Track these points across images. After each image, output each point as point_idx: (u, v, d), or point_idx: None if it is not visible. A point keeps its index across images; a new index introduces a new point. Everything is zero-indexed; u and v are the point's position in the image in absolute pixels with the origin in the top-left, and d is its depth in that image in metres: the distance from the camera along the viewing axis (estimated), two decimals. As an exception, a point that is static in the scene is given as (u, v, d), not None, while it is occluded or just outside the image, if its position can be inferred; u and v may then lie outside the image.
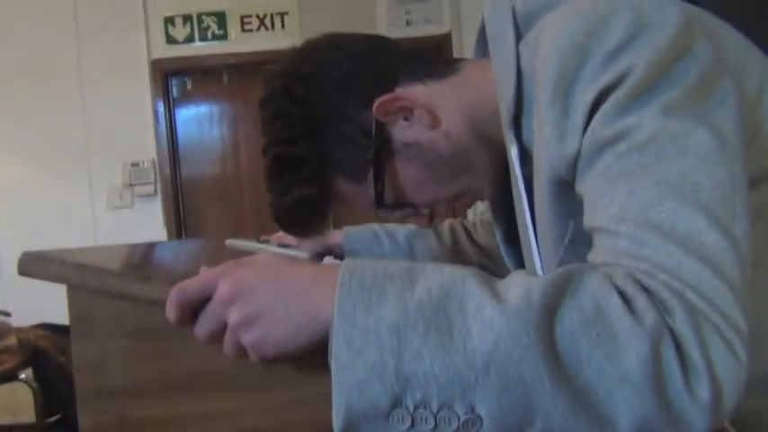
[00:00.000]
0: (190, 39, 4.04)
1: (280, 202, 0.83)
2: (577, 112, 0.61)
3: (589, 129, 0.60)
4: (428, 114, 0.78)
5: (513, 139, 0.73)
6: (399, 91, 0.78)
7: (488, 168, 0.82)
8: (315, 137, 0.80)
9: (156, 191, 4.00)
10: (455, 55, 3.68)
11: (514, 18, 0.74)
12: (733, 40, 0.69)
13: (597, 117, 0.60)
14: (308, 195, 0.81)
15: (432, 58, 0.84)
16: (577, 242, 0.66)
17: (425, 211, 0.86)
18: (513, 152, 0.73)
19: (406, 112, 0.79)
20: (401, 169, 0.81)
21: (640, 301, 0.50)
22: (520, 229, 0.78)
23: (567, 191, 0.65)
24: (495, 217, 0.93)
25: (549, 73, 0.62)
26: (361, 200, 0.83)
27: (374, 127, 0.78)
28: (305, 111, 0.80)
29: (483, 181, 0.84)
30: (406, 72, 0.80)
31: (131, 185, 3.98)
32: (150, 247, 0.88)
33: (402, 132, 0.79)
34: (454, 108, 0.80)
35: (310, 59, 0.83)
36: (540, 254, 0.74)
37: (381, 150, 0.79)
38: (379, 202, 0.82)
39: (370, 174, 0.80)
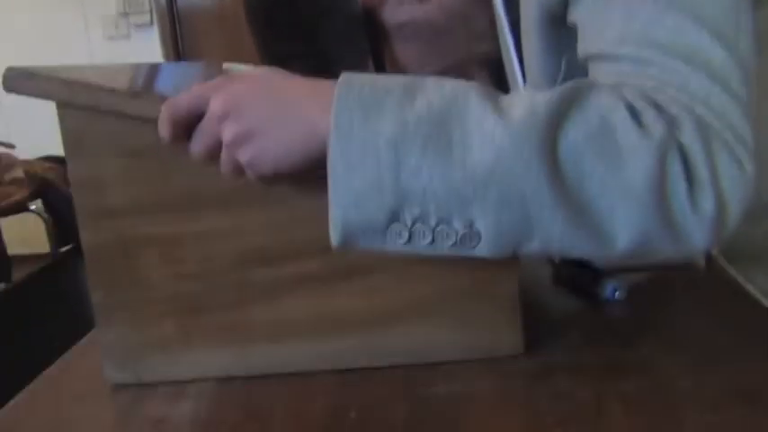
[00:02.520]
0: None
1: None
2: None
3: None
4: None
5: None
6: None
7: (489, 28, 0.78)
8: (308, 37, 0.77)
9: (152, 20, 3.88)
10: None
11: None
12: None
13: None
14: None
15: None
16: (572, 79, 0.64)
17: None
18: None
19: None
20: (401, 51, 0.78)
21: (649, 115, 0.48)
22: (509, 77, 0.76)
23: (557, 26, 0.62)
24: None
25: None
26: None
27: (363, 13, 0.75)
28: (293, 12, 0.77)
29: (486, 43, 0.80)
30: None
31: (126, 14, 3.86)
32: (142, 66, 0.85)
33: (393, 13, 0.76)
34: None
35: None
36: None
37: (376, 37, 0.76)
38: None
39: (371, 63, 0.78)
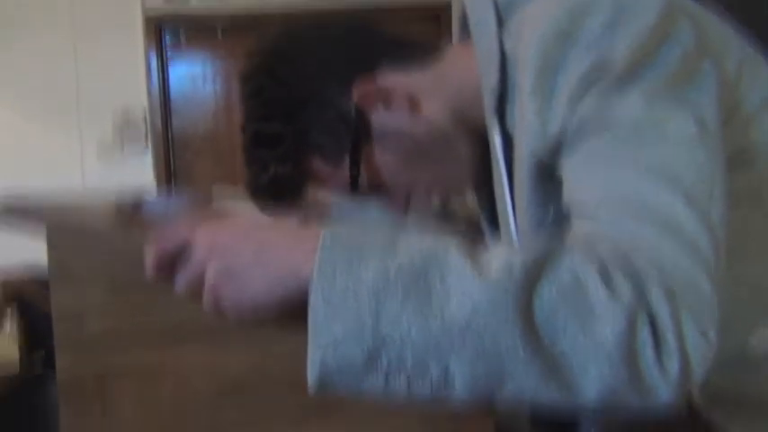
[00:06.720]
0: (186, -9, 3.97)
1: (256, 180, 0.83)
2: (560, 100, 0.61)
3: (573, 115, 0.61)
4: (408, 102, 0.78)
5: (497, 125, 0.73)
6: (380, 79, 0.78)
7: (469, 155, 0.82)
8: (292, 117, 0.80)
9: (147, 144, 3.97)
10: (453, 26, 3.62)
11: (496, 6, 0.74)
12: (712, 24, 0.69)
13: (581, 104, 0.60)
14: (283, 174, 0.81)
15: (415, 42, 0.83)
16: (558, 227, 0.66)
17: (401, 197, 0.86)
18: (497, 140, 0.73)
19: (386, 99, 0.78)
20: (378, 156, 0.80)
21: (618, 277, 0.51)
22: (500, 216, 0.79)
23: (547, 177, 0.65)
24: (480, 203, 0.93)
25: (531, 61, 0.62)
26: (336, 182, 0.83)
27: (353, 113, 0.78)
28: (283, 91, 0.80)
29: (463, 169, 0.83)
30: (388, 59, 0.79)
31: (122, 138, 3.95)
32: (134, 198, 0.88)
33: (381, 119, 0.79)
34: (436, 96, 0.79)
35: (293, 39, 0.83)
36: (519, 242, 0.74)
37: (359, 136, 0.79)
38: (354, 186, 0.81)
39: (347, 158, 0.80)
